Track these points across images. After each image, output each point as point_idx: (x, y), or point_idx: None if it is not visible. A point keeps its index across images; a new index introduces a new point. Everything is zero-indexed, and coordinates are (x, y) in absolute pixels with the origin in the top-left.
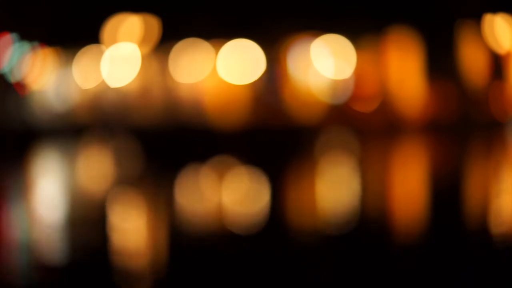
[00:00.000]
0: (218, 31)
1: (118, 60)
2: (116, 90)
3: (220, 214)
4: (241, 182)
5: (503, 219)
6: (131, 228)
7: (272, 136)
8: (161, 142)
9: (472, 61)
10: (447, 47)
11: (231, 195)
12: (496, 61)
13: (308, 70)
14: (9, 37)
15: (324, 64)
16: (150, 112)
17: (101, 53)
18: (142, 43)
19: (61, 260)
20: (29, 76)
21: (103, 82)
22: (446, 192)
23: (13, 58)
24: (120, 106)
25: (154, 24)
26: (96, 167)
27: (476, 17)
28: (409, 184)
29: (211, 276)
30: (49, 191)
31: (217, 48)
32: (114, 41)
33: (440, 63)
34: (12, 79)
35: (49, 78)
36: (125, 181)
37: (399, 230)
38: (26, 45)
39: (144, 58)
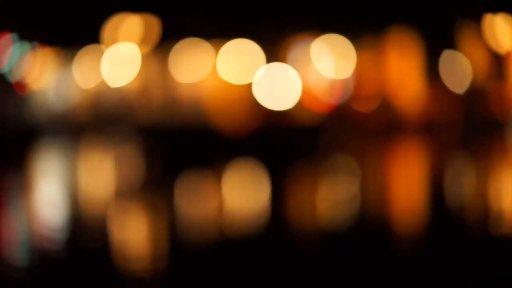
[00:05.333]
0: (218, 31)
1: (118, 60)
2: (116, 90)
3: (221, 217)
4: (242, 183)
5: (503, 219)
6: (132, 231)
7: (272, 136)
8: (161, 142)
9: (472, 61)
10: (447, 47)
11: (232, 197)
12: (496, 61)
13: (308, 70)
14: (9, 37)
15: (324, 64)
16: (150, 112)
17: (101, 53)
18: (142, 43)
19: (60, 262)
20: (29, 76)
21: (103, 82)
22: (446, 192)
23: (13, 58)
24: (120, 106)
25: (154, 24)
26: (96, 167)
27: (476, 17)
28: (409, 184)
29: (214, 281)
30: (49, 191)
31: (217, 48)
32: (114, 41)
33: (440, 63)
34: (12, 79)
35: (49, 78)
36: (125, 182)
37: (399, 230)
38: (26, 45)
39: (144, 58)
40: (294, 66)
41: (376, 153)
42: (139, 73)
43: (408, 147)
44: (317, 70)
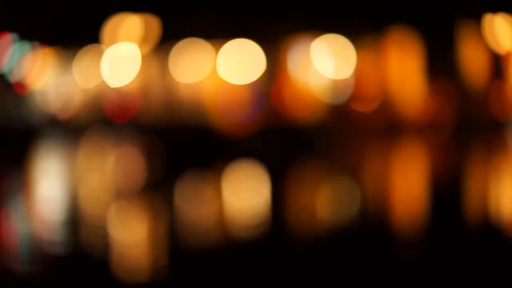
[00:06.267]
0: (218, 31)
1: (118, 60)
2: (116, 90)
3: (222, 218)
4: (242, 184)
5: (503, 219)
6: (132, 231)
7: (272, 136)
8: (161, 142)
9: (472, 61)
10: (447, 47)
11: (232, 197)
12: (496, 61)
13: (308, 70)
14: (9, 37)
15: (324, 64)
16: (150, 112)
17: (101, 53)
18: (142, 43)
19: (60, 263)
20: (29, 76)
21: (103, 82)
22: (447, 192)
23: (13, 58)
24: (121, 106)
25: (154, 24)
26: (96, 168)
27: (476, 17)
28: (409, 185)
29: (214, 283)
30: (49, 192)
31: (217, 48)
32: (114, 41)
33: (440, 63)
34: (12, 79)
35: (49, 78)
36: (125, 182)
37: (400, 230)
38: (26, 45)
39: (144, 58)
40: (294, 66)
41: (376, 153)
42: (139, 73)
43: (408, 147)
44: (317, 70)
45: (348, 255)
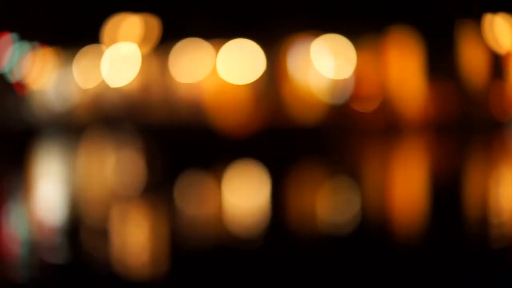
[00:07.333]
0: (218, 31)
1: (118, 60)
2: (116, 90)
3: (222, 218)
4: (242, 184)
5: (503, 219)
6: (132, 232)
7: (272, 136)
8: (161, 142)
9: (472, 61)
10: (447, 47)
11: (232, 198)
12: (496, 61)
13: (308, 70)
14: (9, 37)
15: (324, 64)
16: (150, 112)
17: (101, 53)
18: (142, 43)
19: (60, 264)
20: (29, 76)
21: (103, 82)
22: (447, 192)
23: (13, 58)
24: (120, 106)
25: (154, 24)
26: (96, 168)
27: (476, 17)
28: (409, 184)
29: (214, 283)
30: (48, 192)
31: (217, 48)
32: (114, 41)
33: (440, 63)
34: (12, 79)
35: (49, 78)
36: (125, 182)
37: (400, 230)
38: (26, 45)
39: (144, 58)
40: (294, 66)
41: (376, 153)
42: (139, 73)
43: (408, 147)
44: (317, 70)
45: (348, 255)
